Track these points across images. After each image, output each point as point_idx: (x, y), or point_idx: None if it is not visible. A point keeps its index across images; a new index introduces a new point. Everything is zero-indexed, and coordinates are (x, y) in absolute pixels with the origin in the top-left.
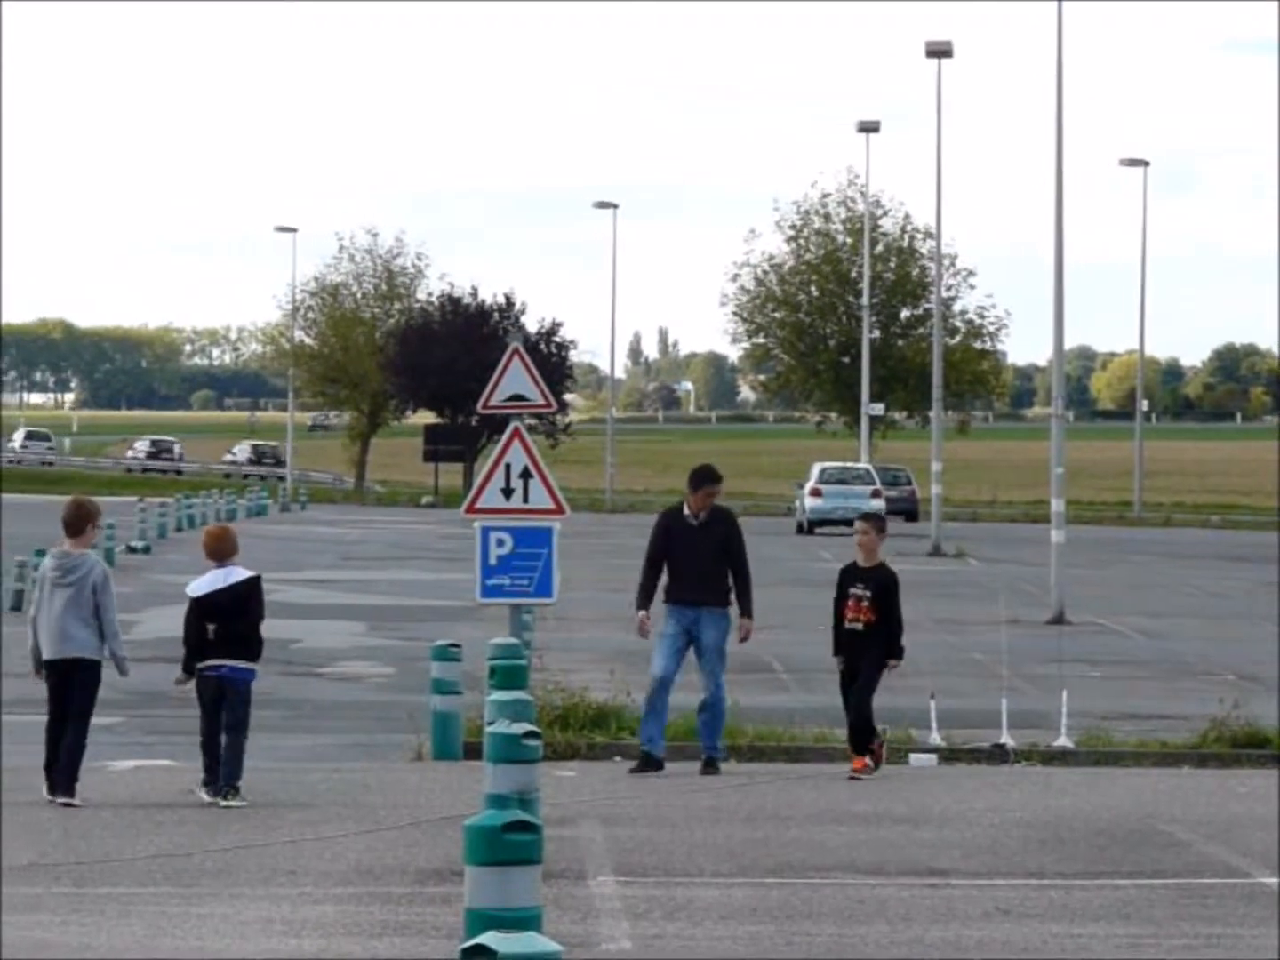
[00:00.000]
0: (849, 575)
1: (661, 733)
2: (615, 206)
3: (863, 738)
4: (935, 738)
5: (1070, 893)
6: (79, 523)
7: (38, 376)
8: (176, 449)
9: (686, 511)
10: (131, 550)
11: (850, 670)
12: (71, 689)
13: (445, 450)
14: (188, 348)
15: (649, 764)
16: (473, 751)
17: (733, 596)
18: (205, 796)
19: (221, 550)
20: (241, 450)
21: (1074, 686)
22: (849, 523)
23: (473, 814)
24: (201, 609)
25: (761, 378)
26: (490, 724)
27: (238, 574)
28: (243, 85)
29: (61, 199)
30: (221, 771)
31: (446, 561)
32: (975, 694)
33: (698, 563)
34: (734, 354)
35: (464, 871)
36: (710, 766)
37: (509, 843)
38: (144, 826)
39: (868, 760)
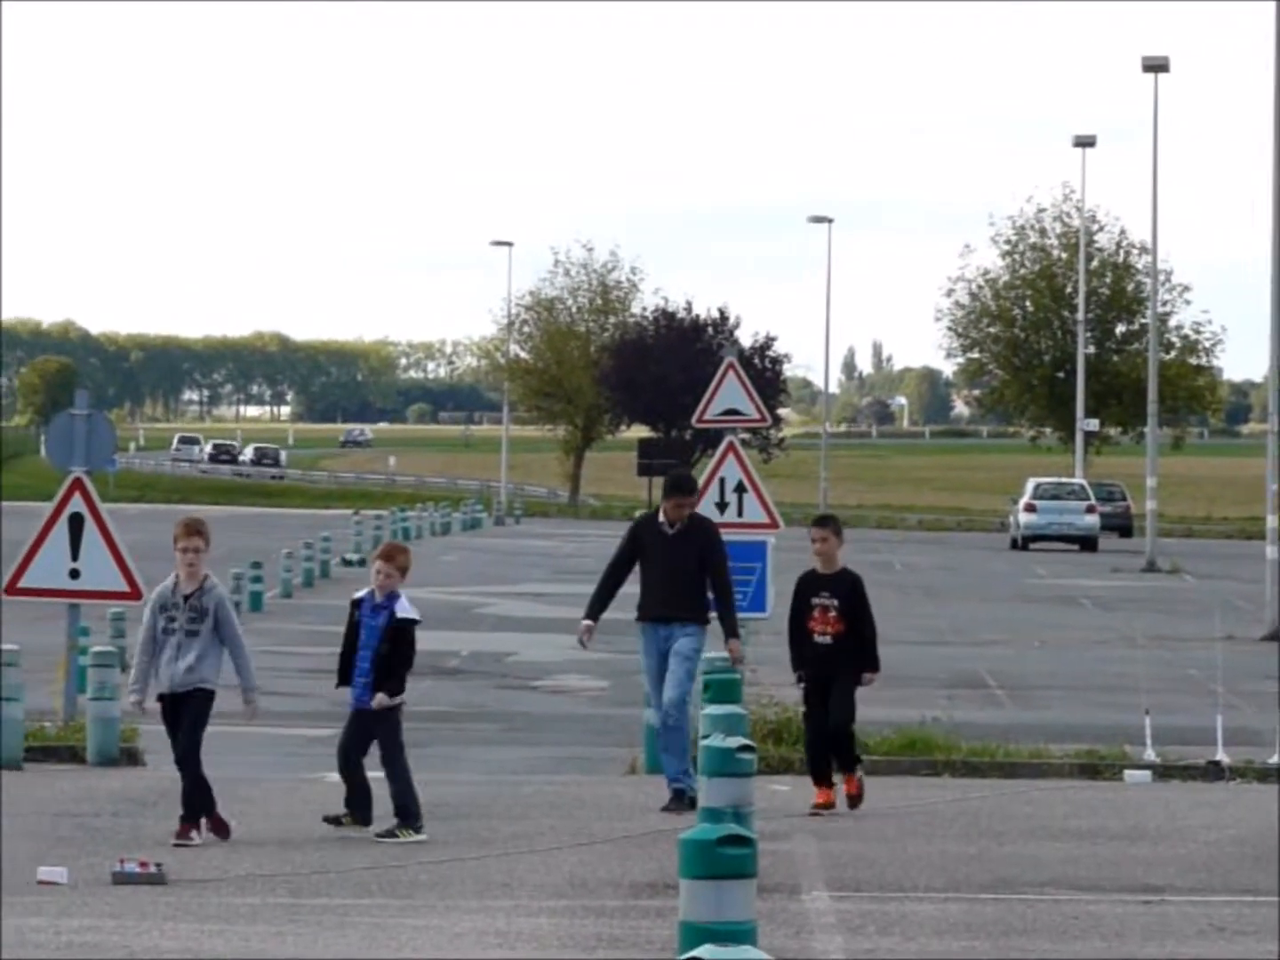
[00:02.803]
0: (809, 584)
1: (687, 770)
2: (830, 221)
3: (842, 760)
4: (1150, 754)
5: None
6: None
7: (254, 389)
8: (281, 456)
9: (661, 520)
10: (346, 563)
11: (818, 688)
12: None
13: (659, 464)
14: (403, 361)
15: (681, 802)
16: None
17: (714, 616)
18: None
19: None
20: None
21: None
22: (1064, 538)
23: (687, 827)
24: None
25: (976, 393)
26: (705, 738)
27: (405, 608)
28: (461, 100)
29: (277, 215)
30: (394, 805)
31: None
32: (1190, 710)
33: (671, 575)
34: (948, 369)
35: (678, 885)
36: (677, 801)
37: (724, 856)
38: (359, 839)
39: (833, 795)
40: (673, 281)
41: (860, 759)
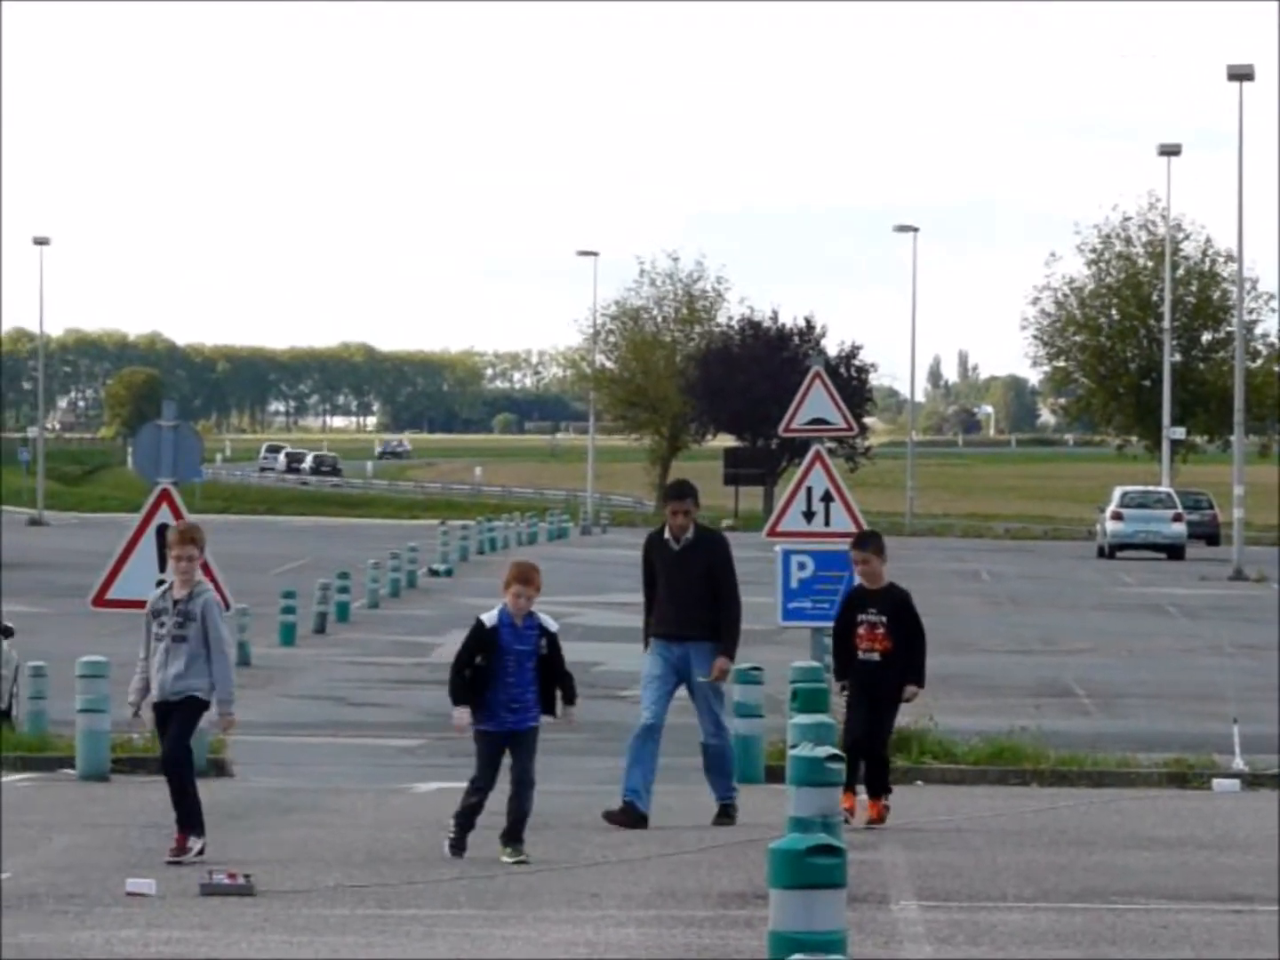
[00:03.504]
0: (856, 600)
1: (648, 786)
2: (916, 230)
3: (872, 782)
4: (1239, 763)
5: None
6: None
7: (340, 400)
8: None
9: (666, 535)
10: (433, 573)
11: (861, 704)
12: None
13: (745, 473)
14: (489, 371)
15: (630, 817)
16: (774, 775)
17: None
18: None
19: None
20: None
21: None
22: (1151, 546)
23: (775, 837)
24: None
25: (1062, 401)
26: (793, 747)
27: (549, 622)
28: (546, 111)
29: (363, 225)
30: (513, 825)
31: (747, 584)
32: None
33: (679, 592)
34: (1034, 377)
35: (767, 895)
36: (725, 816)
37: (813, 866)
38: (446, 850)
39: (854, 802)
40: (758, 290)
41: (890, 788)
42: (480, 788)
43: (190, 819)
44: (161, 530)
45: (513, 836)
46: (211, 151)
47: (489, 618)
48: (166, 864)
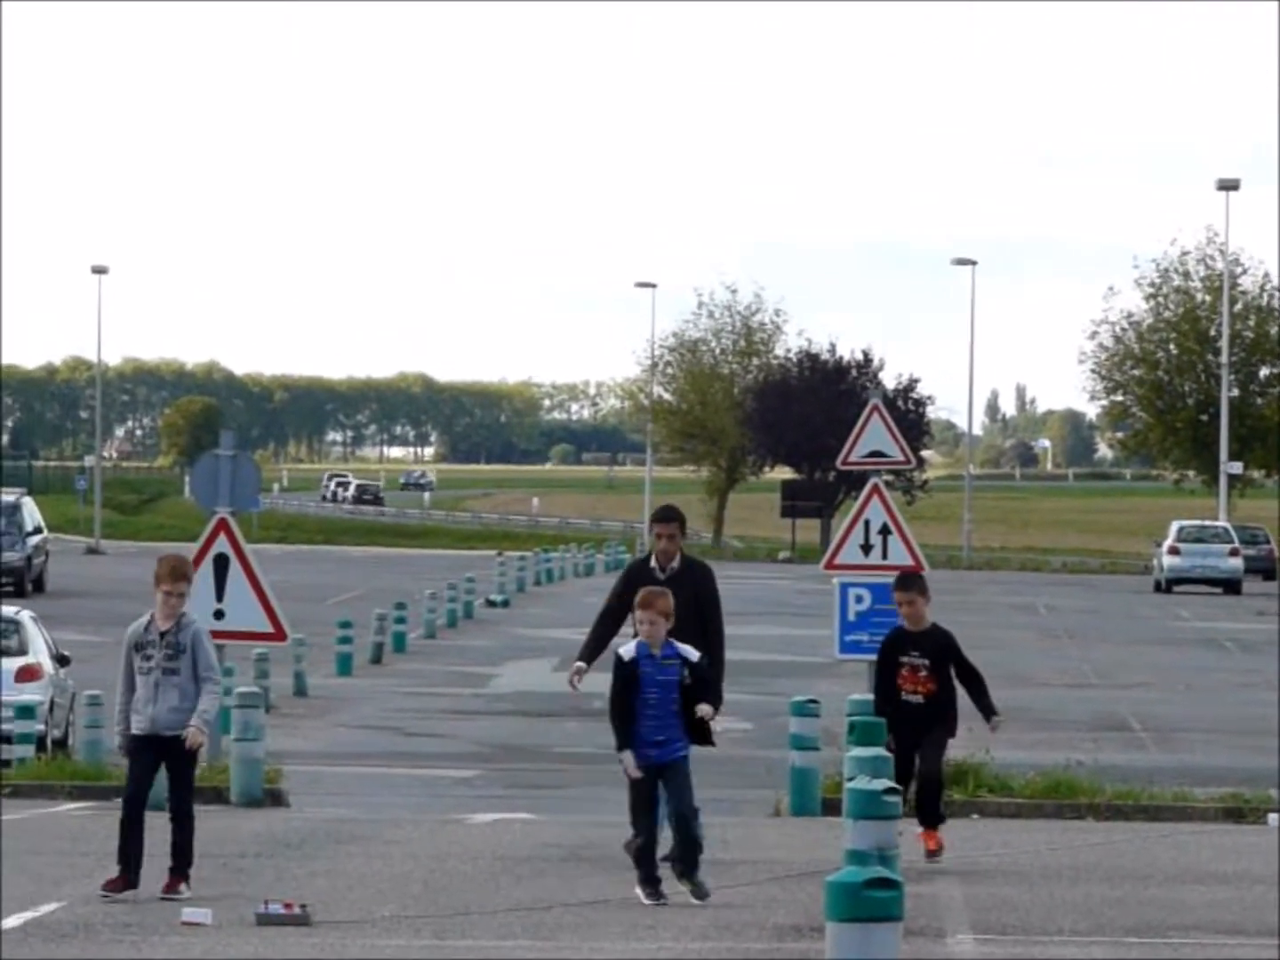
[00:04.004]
0: (898, 642)
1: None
2: (974, 263)
3: (925, 814)
4: None
5: None
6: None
7: (398, 430)
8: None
9: (652, 564)
10: (490, 604)
11: (906, 748)
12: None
13: (802, 506)
14: (547, 402)
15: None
16: (831, 807)
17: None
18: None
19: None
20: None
21: None
22: (1208, 581)
23: (832, 870)
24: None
25: (1119, 435)
26: (850, 780)
27: (689, 651)
28: (606, 143)
29: (422, 255)
30: (686, 855)
31: (804, 617)
32: None
33: None
34: (1092, 411)
35: (824, 927)
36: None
37: (870, 899)
38: (503, 880)
39: (940, 837)
40: (815, 322)
41: (944, 817)
42: (641, 831)
43: (189, 862)
44: (221, 560)
45: (688, 867)
46: (272, 182)
47: (626, 651)
48: (160, 897)
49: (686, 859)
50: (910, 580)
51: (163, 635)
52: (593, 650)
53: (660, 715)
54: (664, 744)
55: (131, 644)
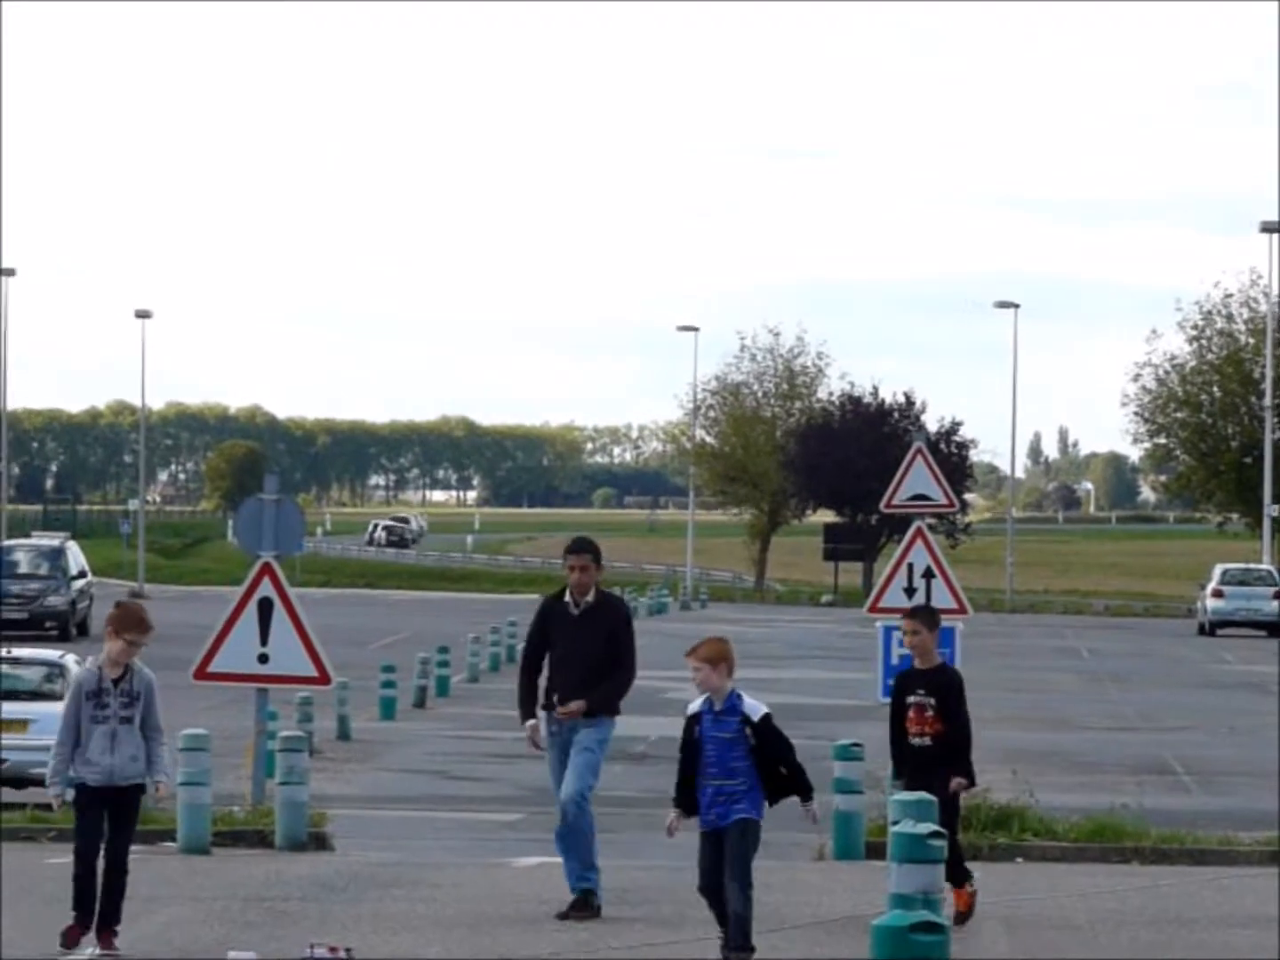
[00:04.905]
0: (906, 681)
1: (592, 868)
2: (1016, 306)
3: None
4: None
5: None
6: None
7: (440, 474)
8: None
9: (567, 598)
10: None
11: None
12: None
13: (845, 549)
14: (589, 446)
15: (586, 907)
16: (875, 851)
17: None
18: None
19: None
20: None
21: None
22: (1252, 624)
23: (876, 914)
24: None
25: (1163, 478)
26: (894, 824)
27: (754, 708)
28: (649, 186)
29: (463, 299)
30: (732, 931)
31: (847, 660)
32: None
33: (575, 660)
34: (1135, 454)
35: None
36: (581, 906)
37: (916, 943)
38: (545, 925)
39: (970, 889)
40: (857, 365)
41: (970, 874)
42: (707, 895)
43: (119, 915)
44: (265, 604)
45: (737, 945)
46: (316, 228)
47: (694, 705)
48: (100, 955)
49: (738, 930)
50: (918, 610)
51: (116, 683)
52: (527, 703)
53: (719, 774)
54: (723, 804)
55: (82, 693)
